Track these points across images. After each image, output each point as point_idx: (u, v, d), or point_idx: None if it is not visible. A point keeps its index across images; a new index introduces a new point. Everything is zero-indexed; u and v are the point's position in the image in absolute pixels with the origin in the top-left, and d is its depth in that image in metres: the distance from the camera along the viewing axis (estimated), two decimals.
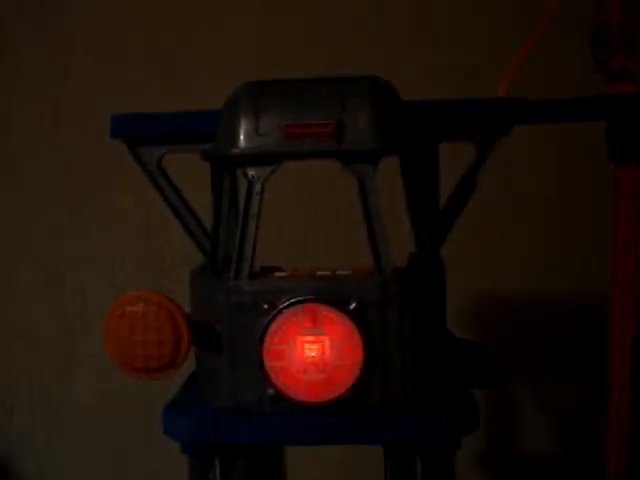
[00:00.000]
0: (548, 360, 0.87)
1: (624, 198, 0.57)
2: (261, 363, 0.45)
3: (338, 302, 0.45)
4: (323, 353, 0.45)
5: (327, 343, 0.45)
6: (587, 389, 0.86)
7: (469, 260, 0.81)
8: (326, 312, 0.45)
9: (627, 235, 0.57)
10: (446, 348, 0.49)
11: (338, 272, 0.47)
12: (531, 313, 0.87)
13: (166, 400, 0.50)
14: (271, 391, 0.46)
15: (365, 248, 0.47)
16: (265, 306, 0.46)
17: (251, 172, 0.46)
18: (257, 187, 0.46)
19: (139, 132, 0.52)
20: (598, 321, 0.62)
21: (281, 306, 0.45)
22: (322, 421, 0.46)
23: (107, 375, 0.89)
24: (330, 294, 0.45)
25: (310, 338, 0.45)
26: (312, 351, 0.45)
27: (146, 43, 0.87)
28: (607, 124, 0.54)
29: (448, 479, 0.48)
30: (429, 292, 0.48)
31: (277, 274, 0.48)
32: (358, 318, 0.45)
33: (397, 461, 0.48)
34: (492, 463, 0.89)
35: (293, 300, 0.45)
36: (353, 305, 0.45)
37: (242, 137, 0.46)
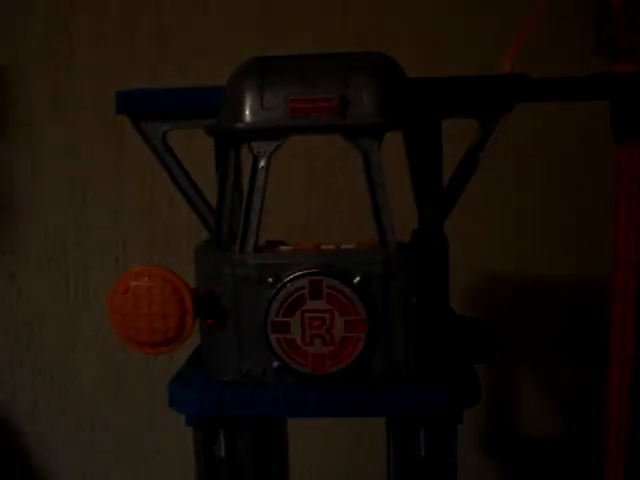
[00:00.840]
0: (548, 340, 0.88)
1: (626, 178, 0.57)
2: (266, 336, 0.46)
3: (342, 276, 0.45)
4: (327, 326, 0.45)
5: (331, 316, 0.45)
6: (587, 369, 0.87)
7: (469, 238, 0.81)
8: (330, 285, 0.45)
9: (629, 215, 0.57)
10: (449, 322, 0.49)
11: (342, 246, 0.47)
12: (531, 292, 0.87)
13: (169, 377, 0.51)
14: (276, 363, 0.46)
15: (370, 224, 0.48)
16: (270, 279, 0.46)
17: (256, 146, 0.47)
18: (262, 162, 0.46)
19: (144, 107, 0.52)
20: (599, 301, 0.62)
21: (286, 279, 0.46)
22: (326, 393, 0.46)
23: (109, 355, 0.89)
24: (334, 268, 0.46)
25: (314, 311, 0.45)
26: (316, 324, 0.46)
27: (151, 24, 0.87)
28: (610, 103, 0.54)
29: (451, 452, 0.48)
30: (432, 266, 0.48)
31: (282, 248, 0.48)
32: (362, 291, 0.45)
33: (400, 434, 0.49)
34: (491, 443, 0.89)
35: (298, 273, 0.46)
36: (357, 279, 0.45)
37: (247, 112, 0.46)
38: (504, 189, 0.85)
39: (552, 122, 0.80)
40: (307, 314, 0.46)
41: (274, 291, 0.46)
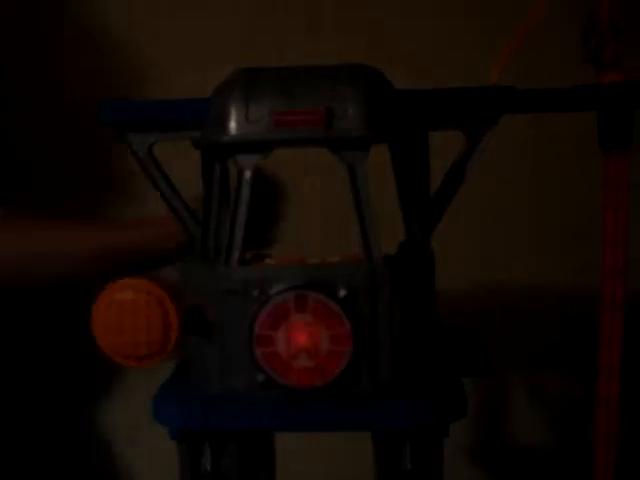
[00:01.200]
0: (537, 351, 0.88)
1: (614, 188, 0.57)
2: (251, 349, 0.46)
3: (328, 289, 0.45)
4: (313, 340, 0.45)
5: (317, 330, 0.45)
6: (576, 379, 0.86)
7: (457, 248, 0.81)
8: (316, 299, 0.45)
9: (616, 226, 0.57)
10: (436, 335, 0.49)
11: (328, 260, 0.47)
12: (520, 303, 0.87)
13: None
14: (261, 377, 0.46)
15: (356, 237, 0.47)
16: (255, 293, 0.46)
17: (241, 159, 0.46)
18: (247, 174, 0.46)
19: (129, 119, 0.52)
20: (588, 311, 0.62)
21: (271, 293, 0.45)
22: (312, 407, 0.46)
23: None
24: (320, 281, 0.45)
25: (300, 325, 0.45)
26: (302, 338, 0.45)
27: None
28: (597, 114, 0.54)
29: (437, 466, 0.48)
30: (419, 279, 0.48)
31: (267, 261, 0.48)
32: (348, 305, 0.45)
33: (386, 448, 0.48)
34: (481, 455, 0.89)
35: (283, 287, 0.45)
36: (343, 292, 0.45)
37: (232, 124, 0.46)
38: (492, 199, 0.85)
39: (541, 130, 0.80)
40: (292, 328, 0.45)
41: (259, 304, 0.45)
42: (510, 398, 0.89)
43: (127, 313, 0.48)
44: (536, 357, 0.88)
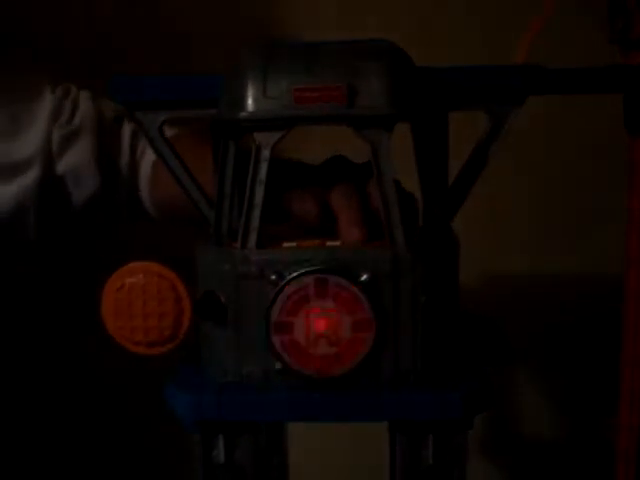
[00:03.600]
0: (549, 342, 0.86)
1: None
2: (268, 336, 0.44)
3: (349, 273, 0.43)
4: (333, 326, 0.43)
5: (337, 316, 0.43)
6: (590, 371, 0.85)
7: (468, 237, 0.79)
8: (336, 284, 0.43)
9: None
10: (459, 323, 0.47)
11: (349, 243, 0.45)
12: (532, 293, 0.86)
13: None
14: (278, 365, 0.44)
15: None
16: (273, 277, 0.44)
17: (259, 137, 0.44)
18: (265, 153, 0.44)
19: (140, 96, 0.50)
20: (605, 301, 0.60)
21: (289, 277, 0.43)
22: (331, 397, 0.44)
23: None
24: (340, 265, 0.43)
25: (319, 311, 0.43)
26: (321, 324, 0.43)
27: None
28: (624, 96, 0.52)
29: (460, 459, 0.46)
30: (442, 265, 0.46)
31: (285, 244, 0.46)
32: (369, 290, 0.43)
33: (407, 440, 0.46)
34: (492, 447, 0.87)
35: (302, 271, 0.43)
36: (364, 277, 0.43)
37: (250, 100, 0.44)
38: (504, 185, 0.83)
39: (553, 115, 0.78)
40: (312, 314, 0.43)
41: (277, 289, 0.43)
42: (521, 389, 0.88)
43: (138, 298, 0.46)
44: (547, 348, 0.86)
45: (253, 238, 0.44)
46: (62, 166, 0.72)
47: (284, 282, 0.43)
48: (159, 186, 0.72)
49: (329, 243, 0.45)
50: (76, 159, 0.72)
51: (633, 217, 0.55)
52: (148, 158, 0.73)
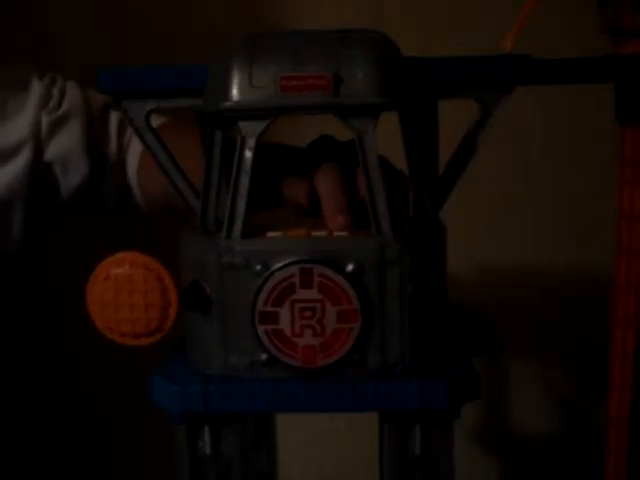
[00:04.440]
0: (543, 333, 0.86)
1: (631, 163, 0.55)
2: (253, 327, 0.43)
3: (335, 263, 0.43)
4: (318, 316, 0.43)
5: (322, 306, 0.43)
6: (583, 364, 0.85)
7: (461, 227, 0.79)
8: (322, 274, 0.43)
9: (632, 202, 0.55)
10: (446, 314, 0.47)
11: (335, 232, 0.45)
12: (527, 284, 0.85)
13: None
14: (264, 356, 0.44)
15: None
16: (258, 267, 0.43)
17: (244, 127, 0.44)
18: (250, 142, 0.44)
19: (127, 86, 0.49)
20: (599, 293, 0.60)
21: (274, 267, 0.43)
22: (317, 388, 0.44)
23: None
24: (326, 255, 0.43)
25: (305, 301, 0.43)
26: (307, 314, 0.43)
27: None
28: (615, 86, 0.52)
29: (447, 450, 0.46)
30: (430, 254, 0.45)
31: (271, 234, 0.45)
32: (355, 280, 0.43)
33: (394, 431, 0.46)
34: (483, 439, 0.87)
35: (287, 261, 0.43)
36: (351, 267, 0.43)
37: (235, 90, 0.44)
38: (497, 175, 0.82)
39: (550, 104, 0.78)
40: (297, 304, 0.43)
41: (262, 279, 0.43)
42: (514, 381, 0.87)
43: (124, 289, 0.46)
44: (541, 339, 0.86)
45: (238, 228, 0.44)
46: (51, 152, 0.72)
47: (269, 272, 0.43)
48: (148, 176, 0.72)
49: (314, 233, 0.45)
50: (65, 145, 0.71)
51: (623, 209, 0.54)
52: (135, 148, 0.73)
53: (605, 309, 0.57)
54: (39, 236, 0.74)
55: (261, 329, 0.43)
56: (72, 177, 0.72)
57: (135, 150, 0.73)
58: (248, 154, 0.44)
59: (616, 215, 0.56)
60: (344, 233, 0.45)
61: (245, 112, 0.44)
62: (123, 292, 0.46)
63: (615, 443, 0.57)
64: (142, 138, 0.50)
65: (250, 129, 0.44)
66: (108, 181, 0.74)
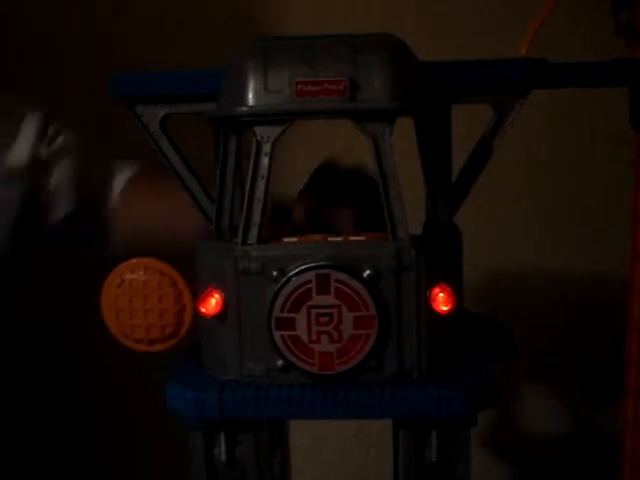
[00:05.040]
0: (552, 337, 0.85)
1: None
2: (270, 333, 0.43)
3: (351, 269, 0.43)
4: (335, 322, 0.43)
5: (339, 312, 0.43)
6: (597, 368, 0.84)
7: (471, 231, 0.78)
8: (339, 279, 0.43)
9: None
10: (463, 320, 0.47)
11: (351, 238, 0.45)
12: (536, 289, 0.85)
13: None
14: (280, 362, 0.44)
15: None
16: (274, 273, 0.43)
17: (259, 132, 0.44)
18: (266, 148, 0.44)
19: (141, 92, 0.49)
20: (612, 298, 0.60)
21: (291, 273, 0.43)
22: (334, 394, 0.43)
23: None
24: (343, 260, 0.43)
25: (322, 306, 0.43)
26: (323, 320, 0.43)
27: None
28: (630, 89, 0.52)
29: (464, 456, 0.46)
30: (446, 260, 0.45)
31: (287, 240, 0.45)
32: (372, 286, 0.43)
33: (410, 438, 0.46)
34: (498, 443, 0.87)
35: (304, 267, 0.43)
36: (367, 272, 0.43)
37: (250, 94, 0.44)
38: (509, 180, 0.82)
39: (562, 109, 0.77)
40: (314, 310, 0.43)
41: (278, 285, 0.43)
42: (524, 385, 0.87)
43: (139, 294, 0.46)
44: (550, 343, 0.85)
45: (254, 233, 0.44)
46: (44, 181, 0.72)
47: (285, 278, 0.43)
48: (128, 217, 0.73)
49: (331, 238, 0.45)
50: (58, 175, 0.72)
51: (638, 214, 0.54)
52: (118, 187, 0.73)
53: (619, 314, 0.57)
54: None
55: (277, 335, 0.43)
56: (60, 208, 0.73)
57: (118, 189, 0.74)
58: (264, 159, 0.44)
59: (630, 220, 0.56)
60: (361, 238, 0.45)
61: (260, 117, 0.44)
62: (138, 298, 0.46)
63: (630, 448, 0.56)
64: (156, 143, 0.50)
65: (266, 134, 0.44)
66: (89, 220, 0.74)
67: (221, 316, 0.45)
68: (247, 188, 0.44)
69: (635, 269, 0.55)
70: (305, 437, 0.63)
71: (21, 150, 0.71)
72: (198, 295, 0.46)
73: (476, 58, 0.48)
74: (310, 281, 0.43)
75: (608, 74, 0.50)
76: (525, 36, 0.50)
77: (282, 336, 0.43)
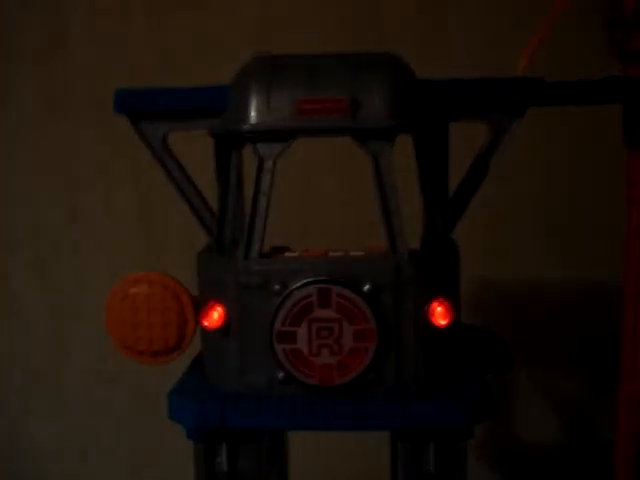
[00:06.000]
0: (548, 348, 0.86)
1: (638, 184, 0.56)
2: (271, 346, 0.44)
3: (352, 283, 0.44)
4: (336, 336, 0.44)
5: (340, 325, 0.44)
6: (592, 377, 0.85)
7: (466, 244, 0.80)
8: (339, 294, 0.44)
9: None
10: (460, 333, 0.48)
11: (351, 253, 0.46)
12: (531, 300, 0.86)
13: (162, 383, 0.49)
14: (281, 374, 0.44)
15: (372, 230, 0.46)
16: (276, 287, 0.44)
17: (262, 149, 0.45)
18: (268, 164, 0.45)
19: (144, 108, 0.50)
20: (608, 309, 0.61)
21: (293, 287, 0.44)
22: (334, 406, 0.44)
23: (102, 359, 0.87)
24: (343, 275, 0.44)
25: (322, 320, 0.44)
26: (324, 333, 0.44)
27: (147, 15, 0.85)
28: (623, 107, 0.53)
29: (460, 467, 0.47)
30: (444, 274, 0.46)
31: (288, 254, 0.46)
32: (372, 300, 0.44)
33: (408, 449, 0.47)
34: (493, 453, 0.88)
35: (305, 281, 0.44)
36: (367, 287, 0.44)
37: (253, 112, 0.44)
38: (504, 193, 0.83)
39: (554, 122, 0.78)
40: (315, 323, 0.44)
41: (280, 299, 0.44)
42: (520, 396, 0.88)
43: (142, 307, 0.47)
44: (547, 354, 0.86)
45: (256, 248, 0.45)
46: None
47: (287, 292, 0.44)
48: None
49: (332, 253, 0.46)
50: None
51: (632, 229, 0.55)
52: None
53: (614, 325, 0.58)
54: None
55: (279, 348, 0.44)
56: None
57: None
58: (266, 176, 0.45)
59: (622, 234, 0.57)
60: (361, 253, 0.46)
61: (262, 134, 0.45)
62: (141, 311, 0.47)
63: (624, 458, 0.57)
64: (159, 159, 0.51)
65: (268, 151, 0.45)
66: None
67: (223, 329, 0.46)
68: (250, 204, 0.45)
69: (629, 284, 0.56)
70: (304, 446, 0.63)
71: None
72: (200, 308, 0.46)
73: (475, 76, 0.49)
74: (311, 295, 0.44)
75: (602, 92, 0.51)
76: (522, 55, 0.51)
77: (283, 349, 0.44)
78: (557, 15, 0.50)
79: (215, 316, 0.46)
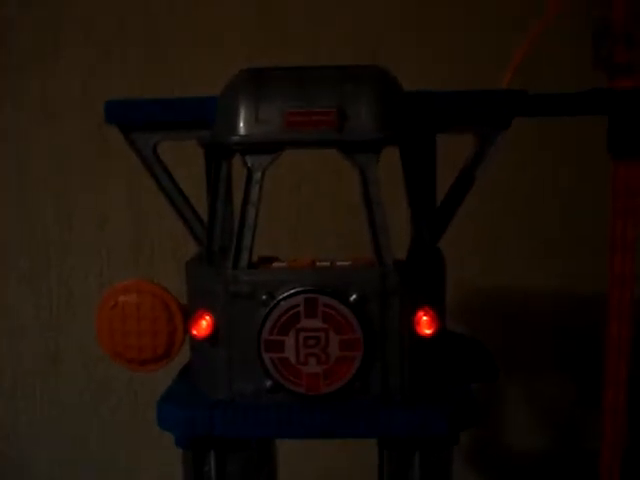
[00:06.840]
0: (538, 356, 0.87)
1: (623, 195, 0.56)
2: (259, 354, 0.45)
3: (338, 293, 0.44)
4: (322, 345, 0.44)
5: (326, 335, 0.44)
6: (578, 385, 0.86)
7: (455, 253, 0.80)
8: (326, 303, 0.44)
9: (625, 233, 0.56)
10: (446, 342, 0.48)
11: (338, 263, 0.46)
12: (519, 309, 0.86)
13: (153, 391, 0.49)
14: (269, 383, 0.45)
15: (360, 240, 0.47)
16: (264, 297, 0.45)
17: (250, 160, 0.45)
18: (257, 176, 0.45)
19: (134, 118, 0.51)
20: (592, 318, 0.61)
21: (280, 297, 0.44)
22: (321, 414, 0.45)
23: (92, 366, 0.88)
24: (330, 285, 0.44)
25: (309, 330, 0.44)
26: (311, 343, 0.44)
27: (141, 25, 0.85)
28: (608, 119, 0.54)
29: (446, 474, 0.47)
30: (430, 284, 0.47)
31: (276, 264, 0.47)
32: (358, 310, 0.44)
33: (394, 457, 0.47)
34: (480, 461, 0.88)
35: (292, 291, 0.44)
36: (354, 297, 0.44)
37: (242, 124, 0.45)
38: (490, 203, 0.84)
39: (544, 133, 0.79)
40: (302, 333, 0.44)
41: (268, 309, 0.44)
42: (508, 405, 0.88)
43: (131, 316, 0.47)
44: (535, 363, 0.87)
45: (245, 258, 0.45)
46: None
47: (275, 302, 0.44)
48: None
49: (319, 264, 0.46)
50: None
51: (616, 241, 0.56)
52: None
53: (599, 334, 0.59)
54: None
55: (267, 357, 0.45)
56: None
57: None
58: (255, 187, 0.45)
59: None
60: (347, 263, 0.46)
61: (251, 146, 0.45)
62: (131, 319, 0.47)
63: (608, 469, 0.58)
64: (149, 168, 0.51)
65: (257, 162, 0.45)
66: None
67: (212, 338, 0.46)
68: (238, 214, 0.45)
69: (613, 293, 0.56)
70: (291, 453, 0.64)
71: None
72: (189, 317, 0.47)
73: (461, 89, 0.50)
74: (298, 305, 0.44)
75: (587, 104, 0.52)
76: (508, 68, 0.52)
77: (271, 358, 0.45)
78: (541, 28, 0.51)
79: (204, 325, 0.46)
